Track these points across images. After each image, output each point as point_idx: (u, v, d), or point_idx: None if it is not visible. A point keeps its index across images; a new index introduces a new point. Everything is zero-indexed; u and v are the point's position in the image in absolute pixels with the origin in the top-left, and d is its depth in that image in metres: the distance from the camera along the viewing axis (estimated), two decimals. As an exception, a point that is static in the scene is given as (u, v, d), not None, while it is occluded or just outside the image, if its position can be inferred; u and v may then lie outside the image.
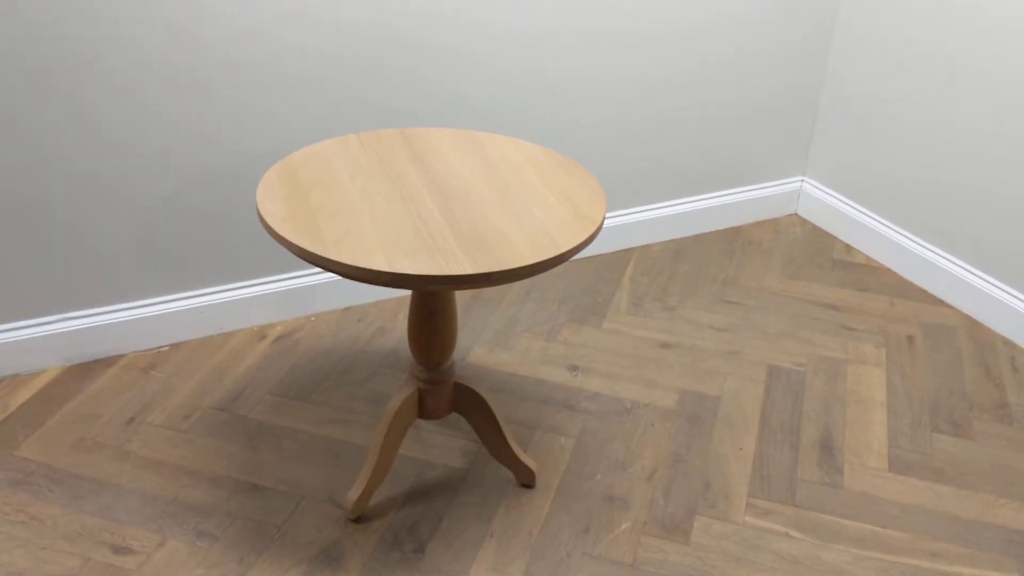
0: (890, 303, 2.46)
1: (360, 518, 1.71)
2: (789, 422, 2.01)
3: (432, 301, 1.61)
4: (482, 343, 2.21)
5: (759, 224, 2.83)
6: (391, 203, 1.50)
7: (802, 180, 2.85)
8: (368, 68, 2.08)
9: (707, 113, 2.57)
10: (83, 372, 2.03)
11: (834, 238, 2.76)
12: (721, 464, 1.88)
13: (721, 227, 2.78)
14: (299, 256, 1.39)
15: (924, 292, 2.51)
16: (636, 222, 2.62)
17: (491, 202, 1.52)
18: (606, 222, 2.58)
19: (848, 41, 2.61)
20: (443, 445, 1.89)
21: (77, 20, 1.77)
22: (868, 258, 2.67)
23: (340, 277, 2.27)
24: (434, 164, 1.64)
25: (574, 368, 2.14)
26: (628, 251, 2.63)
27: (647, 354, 2.20)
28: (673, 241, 2.70)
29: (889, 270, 2.61)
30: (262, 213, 1.45)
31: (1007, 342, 2.32)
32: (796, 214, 2.89)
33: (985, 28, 2.23)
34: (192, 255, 2.09)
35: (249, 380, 2.04)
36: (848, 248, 2.71)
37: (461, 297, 2.38)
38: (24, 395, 1.96)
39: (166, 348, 2.12)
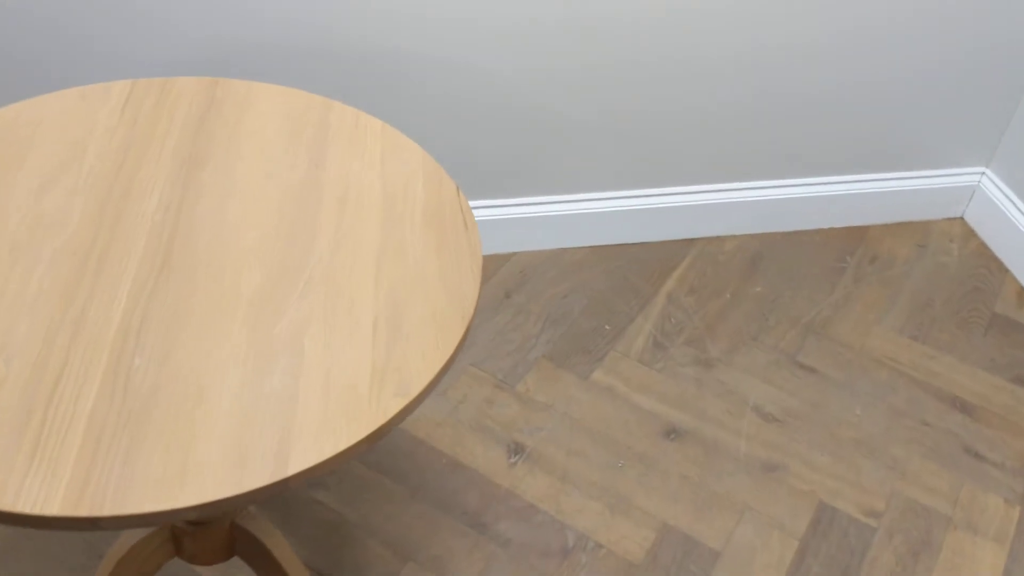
0: (1058, 416, 1.58)
1: None
2: (814, 629, 1.26)
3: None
4: (407, 372, 1.51)
5: (900, 227, 1.92)
6: (53, 279, 0.80)
7: (983, 173, 1.90)
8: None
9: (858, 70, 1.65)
10: None
11: (1006, 272, 1.84)
12: None
13: (839, 224, 1.91)
14: None
15: (1121, 404, 1.61)
16: (706, 204, 1.78)
17: (233, 310, 0.80)
18: (665, 200, 1.75)
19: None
20: None
21: None
22: (1049, 321, 1.75)
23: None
24: (214, 172, 0.91)
25: (516, 450, 1.43)
26: (686, 244, 1.82)
27: (639, 444, 1.45)
28: (756, 237, 1.86)
29: (1076, 351, 1.70)
30: None
31: None
32: (962, 219, 1.96)
33: None
34: None
35: None
36: (1022, 295, 1.80)
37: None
38: None
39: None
